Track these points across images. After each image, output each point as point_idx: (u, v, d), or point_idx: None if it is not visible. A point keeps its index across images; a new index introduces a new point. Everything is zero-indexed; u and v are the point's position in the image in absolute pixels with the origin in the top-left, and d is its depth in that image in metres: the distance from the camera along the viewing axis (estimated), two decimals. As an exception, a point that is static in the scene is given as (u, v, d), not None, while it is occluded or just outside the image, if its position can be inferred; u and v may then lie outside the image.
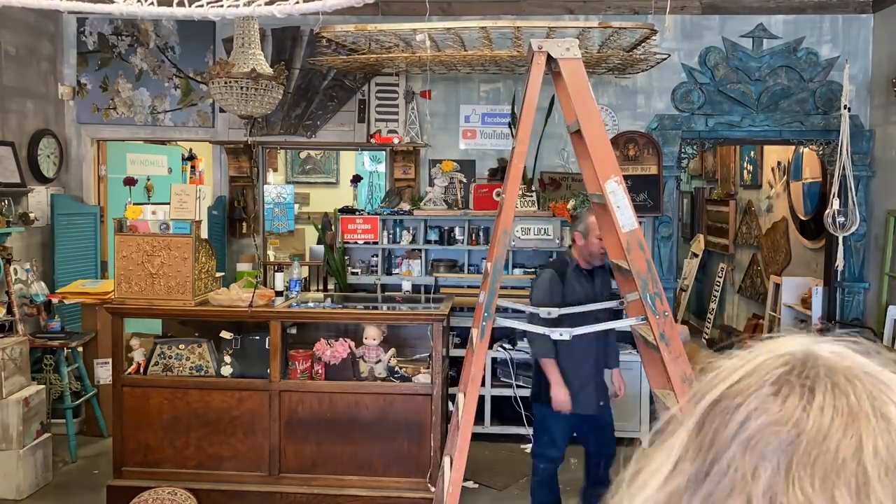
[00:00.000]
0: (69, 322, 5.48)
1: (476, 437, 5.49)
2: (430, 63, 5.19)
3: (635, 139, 5.82)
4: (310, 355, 4.24)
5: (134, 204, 4.59)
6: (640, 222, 3.00)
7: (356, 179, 7.13)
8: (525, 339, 5.58)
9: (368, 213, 5.83)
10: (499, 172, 5.84)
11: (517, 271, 5.74)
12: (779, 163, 7.51)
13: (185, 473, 4.21)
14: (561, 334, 3.14)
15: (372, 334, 4.31)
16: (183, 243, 4.18)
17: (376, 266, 5.76)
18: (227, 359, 4.31)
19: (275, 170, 10.59)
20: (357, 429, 4.03)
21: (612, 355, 4.07)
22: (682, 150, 5.87)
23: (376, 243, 5.72)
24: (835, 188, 5.24)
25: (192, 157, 7.56)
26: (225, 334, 4.18)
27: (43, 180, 5.75)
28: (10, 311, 4.94)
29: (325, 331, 4.45)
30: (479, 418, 5.56)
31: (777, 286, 7.16)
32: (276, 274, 4.82)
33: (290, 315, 4.30)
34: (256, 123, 6.04)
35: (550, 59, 2.99)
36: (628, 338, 5.71)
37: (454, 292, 5.45)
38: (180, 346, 4.28)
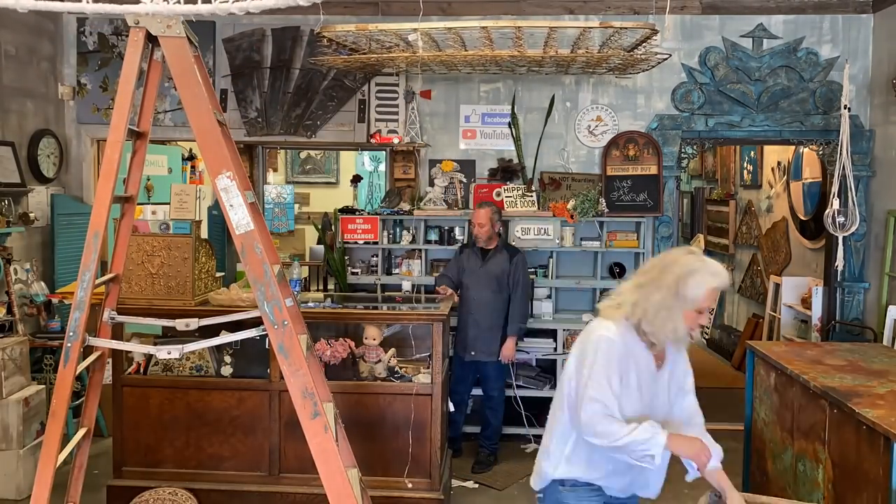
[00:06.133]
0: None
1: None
2: (431, 63, 5.19)
3: (635, 139, 5.82)
4: (310, 355, 4.23)
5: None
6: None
7: (356, 179, 7.14)
8: (524, 339, 5.59)
9: (368, 213, 5.83)
10: (499, 172, 5.84)
11: (517, 271, 5.74)
12: (779, 163, 7.51)
13: (185, 473, 4.21)
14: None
15: (372, 334, 4.31)
16: (183, 243, 4.18)
17: (376, 266, 5.76)
18: (227, 359, 4.32)
19: (275, 170, 10.60)
20: (357, 429, 4.03)
21: (511, 323, 5.11)
22: (682, 150, 5.87)
23: (376, 243, 5.72)
24: (835, 188, 5.24)
25: (192, 157, 7.56)
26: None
27: (43, 180, 5.75)
28: (10, 311, 4.94)
29: (325, 331, 4.45)
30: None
31: (777, 286, 7.16)
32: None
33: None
34: (257, 123, 6.04)
35: (153, 38, 2.68)
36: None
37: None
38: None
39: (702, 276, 2.36)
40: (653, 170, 5.79)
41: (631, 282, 2.49)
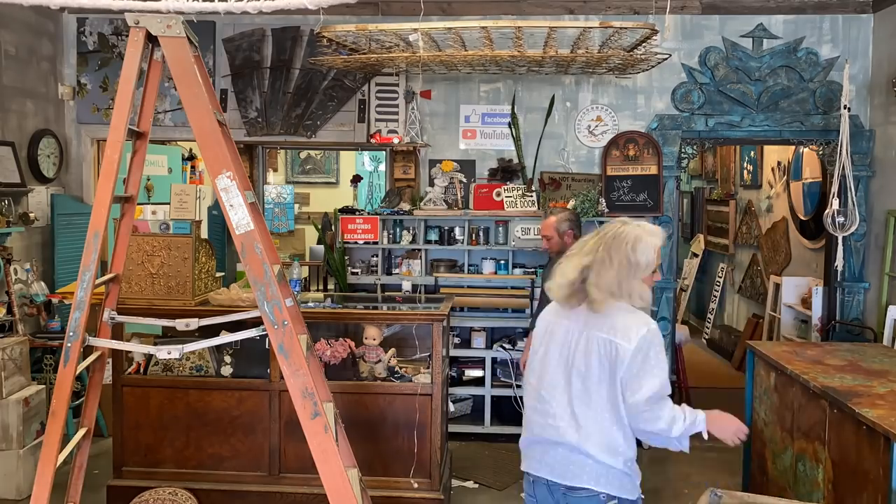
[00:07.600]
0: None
1: (476, 437, 5.52)
2: (431, 63, 5.19)
3: (635, 139, 5.82)
4: (310, 355, 4.23)
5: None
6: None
7: (356, 179, 7.14)
8: (525, 339, 5.58)
9: (368, 213, 5.83)
10: (499, 172, 5.84)
11: (517, 271, 5.74)
12: (779, 163, 7.52)
13: (185, 473, 4.21)
14: None
15: (372, 334, 4.31)
16: (183, 243, 4.18)
17: (376, 266, 5.76)
18: (227, 359, 4.32)
19: (275, 170, 10.60)
20: (357, 429, 4.03)
21: None
22: (682, 150, 5.87)
23: (376, 243, 5.72)
24: (835, 188, 5.24)
25: (192, 157, 7.56)
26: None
27: (43, 180, 5.75)
28: (10, 311, 4.94)
29: (325, 331, 4.45)
30: (479, 418, 5.57)
31: (777, 286, 7.17)
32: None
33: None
34: (257, 123, 6.04)
35: (153, 38, 2.70)
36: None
37: (454, 292, 5.45)
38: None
39: (646, 239, 2.51)
40: (653, 170, 5.79)
41: (574, 262, 2.56)
